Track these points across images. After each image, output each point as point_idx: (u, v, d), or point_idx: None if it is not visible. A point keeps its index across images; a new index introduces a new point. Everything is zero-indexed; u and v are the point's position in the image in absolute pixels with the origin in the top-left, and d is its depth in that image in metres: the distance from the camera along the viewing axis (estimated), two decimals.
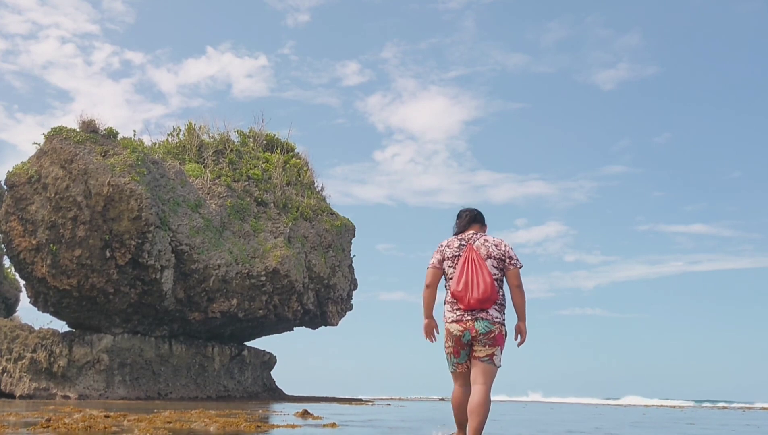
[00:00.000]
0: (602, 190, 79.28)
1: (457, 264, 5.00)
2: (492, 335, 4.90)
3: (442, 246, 5.20)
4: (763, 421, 15.63)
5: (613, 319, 77.22)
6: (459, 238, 5.17)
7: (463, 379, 5.07)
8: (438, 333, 5.17)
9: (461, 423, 5.12)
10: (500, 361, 5.00)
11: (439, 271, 5.13)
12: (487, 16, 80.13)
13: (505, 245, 5.08)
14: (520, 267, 5.04)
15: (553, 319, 75.45)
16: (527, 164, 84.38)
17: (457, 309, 4.96)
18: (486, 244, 5.05)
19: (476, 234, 5.17)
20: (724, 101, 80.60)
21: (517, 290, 5.01)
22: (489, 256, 5.00)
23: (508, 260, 5.01)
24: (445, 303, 5.13)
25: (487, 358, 4.92)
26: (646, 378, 69.05)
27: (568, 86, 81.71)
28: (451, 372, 5.12)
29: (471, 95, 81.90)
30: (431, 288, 5.12)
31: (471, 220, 5.28)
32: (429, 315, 5.13)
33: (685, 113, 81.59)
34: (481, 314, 4.88)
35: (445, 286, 5.15)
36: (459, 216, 5.37)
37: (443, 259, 5.11)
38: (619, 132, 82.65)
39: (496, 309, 4.95)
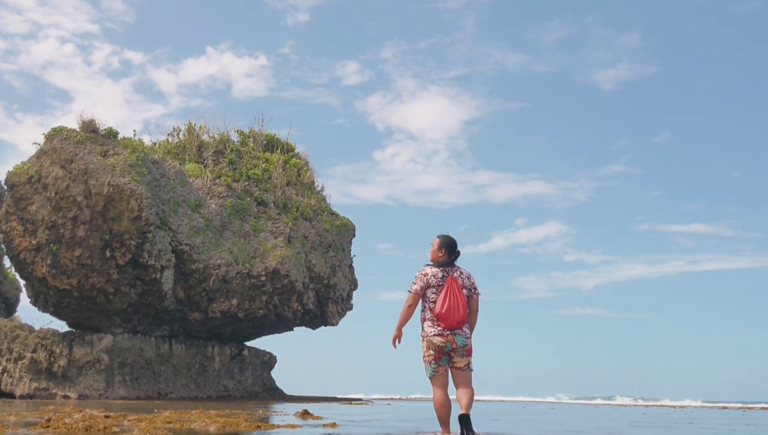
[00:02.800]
0: (602, 190, 79.37)
1: (440, 291, 6.25)
2: (467, 347, 6.23)
3: (426, 275, 6.33)
4: (763, 421, 15.62)
5: (613, 319, 77.28)
6: (442, 270, 6.34)
7: (441, 381, 6.22)
8: (400, 343, 6.41)
9: (445, 420, 6.13)
10: (473, 366, 6.33)
11: (420, 296, 6.33)
12: (487, 15, 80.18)
13: (473, 278, 6.49)
14: (480, 294, 6.49)
15: (553, 319, 75.58)
16: (527, 164, 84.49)
17: (438, 326, 6.18)
18: (461, 276, 6.38)
19: (453, 267, 6.41)
20: (724, 101, 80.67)
21: (476, 314, 6.44)
22: (464, 287, 6.34)
23: (473, 290, 6.42)
24: (425, 320, 6.30)
25: (466, 366, 6.23)
26: (647, 378, 69.06)
27: (568, 86, 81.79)
28: (431, 377, 6.23)
29: (471, 95, 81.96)
30: (412, 308, 6.34)
31: (456, 259, 6.46)
32: (401, 328, 6.38)
33: (685, 113, 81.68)
34: (458, 331, 6.19)
35: (425, 307, 6.33)
36: (447, 249, 6.39)
37: (427, 287, 6.31)
38: (619, 132, 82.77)
39: (467, 327, 6.29)
